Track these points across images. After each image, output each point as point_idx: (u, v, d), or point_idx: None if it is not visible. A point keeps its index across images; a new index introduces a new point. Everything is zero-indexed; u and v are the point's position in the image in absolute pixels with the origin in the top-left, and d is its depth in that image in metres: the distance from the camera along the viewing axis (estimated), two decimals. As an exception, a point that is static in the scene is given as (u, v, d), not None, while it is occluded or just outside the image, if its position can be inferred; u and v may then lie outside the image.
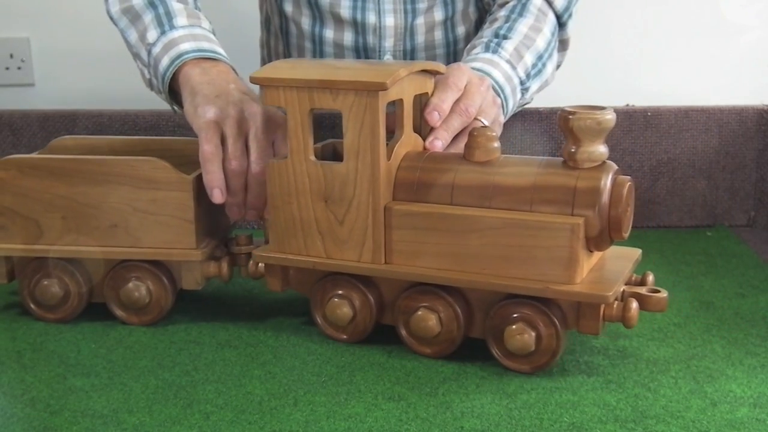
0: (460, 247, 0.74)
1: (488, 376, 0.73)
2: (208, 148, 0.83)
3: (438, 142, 0.82)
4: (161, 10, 0.97)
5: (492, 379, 0.73)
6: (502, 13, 1.08)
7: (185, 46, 0.93)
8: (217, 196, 0.82)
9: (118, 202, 0.82)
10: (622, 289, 0.74)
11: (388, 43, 1.17)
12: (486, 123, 0.88)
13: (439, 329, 0.76)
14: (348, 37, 1.17)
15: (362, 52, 1.18)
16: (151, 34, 0.96)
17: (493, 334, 0.75)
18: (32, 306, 0.85)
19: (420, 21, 1.17)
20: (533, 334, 0.72)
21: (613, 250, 0.78)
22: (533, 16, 1.07)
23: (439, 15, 1.17)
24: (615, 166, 0.73)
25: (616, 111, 1.09)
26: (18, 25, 1.78)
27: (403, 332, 0.78)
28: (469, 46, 1.06)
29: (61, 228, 0.83)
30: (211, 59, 0.92)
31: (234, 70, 0.93)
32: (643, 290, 0.75)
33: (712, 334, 0.81)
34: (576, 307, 0.72)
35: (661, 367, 0.75)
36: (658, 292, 0.75)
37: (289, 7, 1.20)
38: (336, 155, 0.85)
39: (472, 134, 0.77)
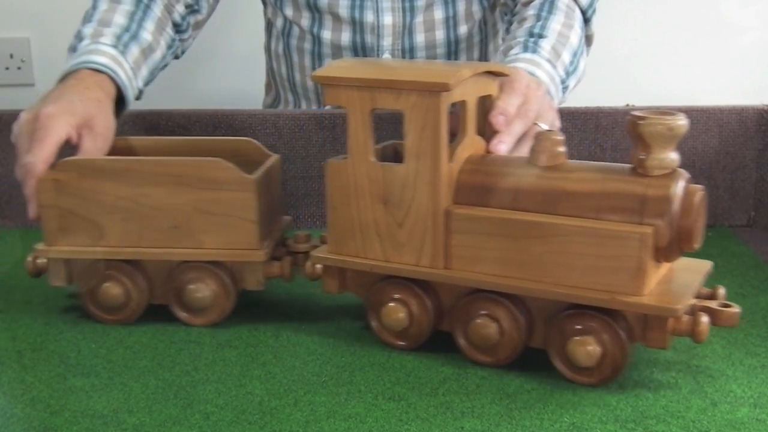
0: (523, 253, 0.72)
1: (488, 376, 0.73)
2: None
3: (503, 146, 0.80)
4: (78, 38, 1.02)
5: (492, 379, 0.73)
6: (531, 11, 1.07)
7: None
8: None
9: (181, 203, 0.81)
10: (692, 303, 0.71)
11: (387, 42, 1.17)
12: (546, 128, 0.86)
13: (499, 338, 0.74)
14: (345, 37, 1.17)
15: (360, 51, 1.18)
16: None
17: (555, 345, 0.72)
18: (93, 309, 0.84)
19: (419, 20, 1.17)
20: (598, 346, 0.70)
21: (682, 261, 0.74)
22: (563, 13, 1.06)
23: (439, 14, 1.17)
24: (686, 174, 0.70)
25: (616, 111, 1.09)
26: (18, 25, 1.78)
27: (461, 340, 0.76)
28: (504, 47, 1.06)
29: (121, 230, 0.82)
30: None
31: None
32: (713, 304, 0.72)
33: (712, 334, 0.81)
34: (643, 320, 0.70)
35: (661, 367, 0.75)
36: (730, 306, 0.72)
37: (289, 11, 1.20)
38: (397, 157, 0.82)
39: (538, 138, 0.74)
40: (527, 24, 1.05)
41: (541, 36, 1.02)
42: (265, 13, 1.30)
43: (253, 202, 0.81)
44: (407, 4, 1.16)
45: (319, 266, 0.82)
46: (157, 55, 1.06)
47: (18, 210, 1.12)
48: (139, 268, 0.84)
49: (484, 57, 1.25)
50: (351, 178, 0.77)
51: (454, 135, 0.77)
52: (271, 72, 1.33)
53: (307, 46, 1.21)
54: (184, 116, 1.10)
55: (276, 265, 0.83)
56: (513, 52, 1.01)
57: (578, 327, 0.71)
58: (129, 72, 0.99)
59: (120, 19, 1.03)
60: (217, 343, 0.80)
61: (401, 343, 0.78)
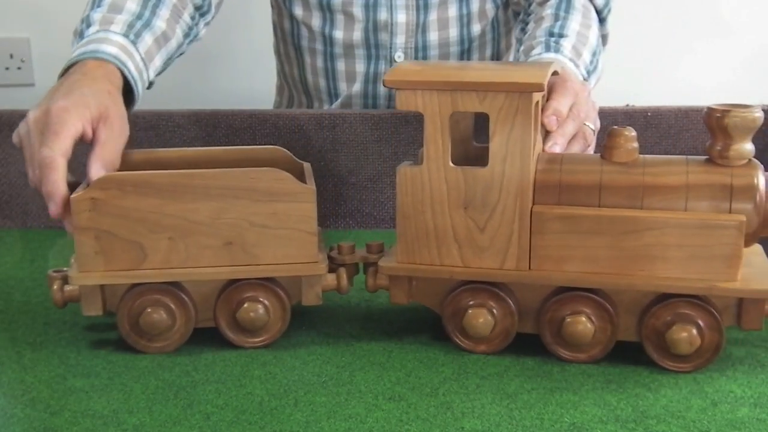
0: (614, 249, 0.73)
1: (489, 376, 0.73)
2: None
3: (557, 147, 0.81)
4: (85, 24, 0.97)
5: (492, 379, 0.73)
6: (548, 11, 1.07)
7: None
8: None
9: (235, 218, 0.76)
10: None
11: (399, 39, 1.17)
12: (593, 127, 0.88)
13: (593, 334, 0.74)
14: (357, 35, 1.17)
15: (373, 48, 1.18)
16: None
17: (653, 336, 0.74)
18: (134, 338, 0.78)
19: (433, 17, 1.17)
20: (695, 332, 0.72)
21: None
22: (581, 13, 1.07)
23: (453, 11, 1.17)
24: (761, 164, 0.73)
25: (616, 111, 1.09)
26: (18, 25, 1.78)
27: (550, 339, 0.76)
28: (524, 46, 1.06)
29: (167, 249, 0.76)
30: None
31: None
32: None
33: (713, 334, 0.81)
34: (736, 304, 0.73)
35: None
36: None
37: (299, 11, 1.20)
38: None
39: (612, 134, 0.75)
40: (546, 24, 1.05)
41: (561, 36, 1.03)
42: (272, 16, 1.30)
43: (312, 213, 0.77)
44: (421, 2, 1.16)
45: (383, 277, 0.79)
46: (173, 44, 1.01)
47: (18, 210, 1.12)
48: (183, 290, 0.78)
49: (496, 56, 1.25)
50: (426, 185, 0.75)
51: None
52: (282, 74, 1.33)
53: (319, 46, 1.20)
54: (184, 116, 1.10)
55: (332, 277, 0.80)
56: (535, 51, 1.01)
57: (675, 316, 0.73)
58: (139, 63, 0.93)
59: (132, 5, 0.98)
60: (217, 343, 0.80)
61: (483, 347, 0.77)
